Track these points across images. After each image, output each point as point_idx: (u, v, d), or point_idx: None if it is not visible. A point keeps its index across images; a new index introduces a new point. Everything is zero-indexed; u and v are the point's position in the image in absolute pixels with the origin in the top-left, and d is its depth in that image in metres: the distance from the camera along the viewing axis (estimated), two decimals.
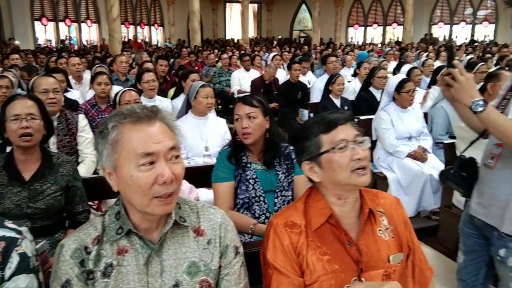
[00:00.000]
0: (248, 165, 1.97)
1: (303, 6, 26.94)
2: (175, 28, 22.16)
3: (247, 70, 6.97)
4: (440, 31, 23.70)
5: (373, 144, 3.68)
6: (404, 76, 3.64)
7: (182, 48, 11.80)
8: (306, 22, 27.28)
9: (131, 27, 22.42)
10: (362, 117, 3.94)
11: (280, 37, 25.99)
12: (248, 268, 1.22)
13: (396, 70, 5.56)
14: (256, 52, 10.94)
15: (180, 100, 3.61)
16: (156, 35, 24.30)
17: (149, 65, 5.45)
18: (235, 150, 1.99)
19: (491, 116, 1.39)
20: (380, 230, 1.24)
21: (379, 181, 3.57)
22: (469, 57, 7.96)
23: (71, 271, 1.01)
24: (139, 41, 20.83)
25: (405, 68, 4.79)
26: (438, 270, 2.26)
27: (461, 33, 23.00)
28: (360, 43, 22.05)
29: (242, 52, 10.67)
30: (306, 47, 16.57)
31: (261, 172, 1.98)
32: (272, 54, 8.02)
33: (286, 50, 12.73)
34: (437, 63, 6.65)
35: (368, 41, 23.63)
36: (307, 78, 6.40)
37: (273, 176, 1.98)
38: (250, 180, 1.95)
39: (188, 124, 2.87)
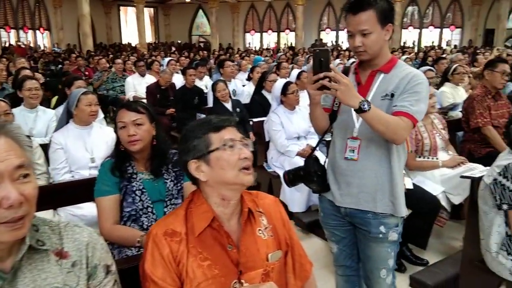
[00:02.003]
0: (134, 176, 1.88)
1: (200, 12, 26.99)
2: (64, 32, 20.65)
3: (142, 75, 6.75)
4: (328, 37, 25.48)
5: (267, 145, 3.81)
6: (286, 80, 3.84)
7: (71, 53, 11.00)
8: (204, 27, 27.37)
9: (13, 32, 20.34)
10: (255, 120, 4.04)
11: (179, 42, 25.70)
12: (130, 284, 1.16)
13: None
14: (154, 57, 10.65)
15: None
16: (43, 40, 22.36)
17: (27, 72, 4.96)
18: (118, 161, 1.89)
19: (376, 113, 1.50)
20: (259, 230, 1.27)
21: (274, 180, 3.70)
22: (351, 60, 8.66)
23: None
24: (22, 46, 18.95)
25: (295, 72, 5.03)
26: (330, 260, 2.41)
27: (346, 39, 24.97)
28: (257, 48, 22.75)
29: (139, 57, 10.29)
30: (205, 52, 16.63)
31: (148, 182, 1.90)
32: (167, 59, 7.87)
33: (184, 55, 12.63)
34: None
35: (264, 47, 24.49)
36: (204, 83, 6.41)
37: (161, 185, 1.91)
38: (137, 192, 1.86)
39: (69, 135, 2.66)
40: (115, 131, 1.93)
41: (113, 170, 1.86)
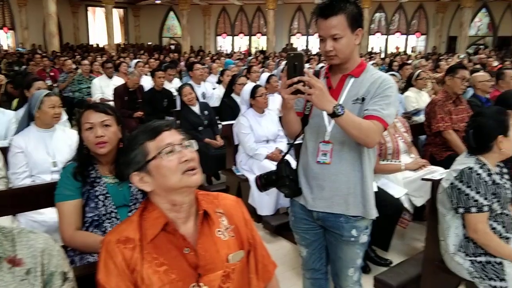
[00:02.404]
0: (98, 180, 1.83)
1: (171, 14, 26.74)
2: (29, 32, 19.97)
3: (110, 77, 6.60)
4: (298, 42, 25.81)
5: (236, 148, 3.82)
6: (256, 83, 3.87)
7: (35, 53, 10.65)
8: (175, 30, 27.12)
9: None
10: (224, 123, 4.04)
11: (149, 43, 25.35)
12: None
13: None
14: (122, 59, 10.45)
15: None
16: (7, 40, 21.54)
17: None
18: (81, 165, 1.84)
19: (349, 117, 1.51)
20: (219, 230, 1.26)
21: (242, 183, 3.70)
22: (320, 65, 8.81)
23: None
24: None
25: (264, 75, 5.06)
26: (297, 263, 2.43)
27: (316, 43, 25.37)
28: (229, 52, 22.75)
29: (108, 58, 10.08)
30: (176, 54, 16.48)
31: (112, 186, 1.86)
32: (135, 61, 7.74)
33: (154, 57, 12.47)
34: None
35: (236, 50, 24.52)
36: (174, 85, 6.34)
37: (126, 189, 1.87)
38: (100, 197, 1.82)
39: (31, 138, 2.58)
40: (79, 133, 1.88)
41: (75, 174, 1.81)
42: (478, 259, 1.89)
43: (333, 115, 1.50)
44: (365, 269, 2.76)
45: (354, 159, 1.67)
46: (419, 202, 2.93)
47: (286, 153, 1.87)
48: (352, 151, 1.66)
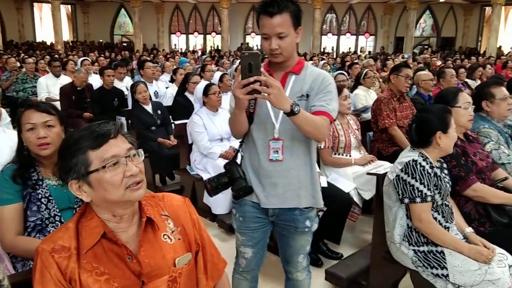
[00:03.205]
0: (40, 183, 1.75)
1: (123, 11, 25.98)
2: None
3: (57, 76, 6.33)
4: (253, 41, 25.94)
5: (190, 147, 3.78)
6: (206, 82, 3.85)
7: None
8: (127, 27, 26.37)
9: None
10: (177, 122, 3.99)
11: (100, 41, 24.51)
12: None
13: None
14: (71, 57, 10.03)
15: None
16: None
17: None
18: (21, 167, 1.75)
19: (304, 114, 1.55)
20: (165, 235, 1.23)
21: (197, 183, 3.67)
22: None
23: None
24: None
25: (217, 74, 5.05)
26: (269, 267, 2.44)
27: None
28: (183, 50, 22.46)
29: (54, 57, 9.63)
30: (127, 52, 16.06)
31: (55, 189, 1.78)
32: (81, 59, 7.46)
33: (104, 55, 12.08)
34: None
35: (191, 49, 24.25)
36: (125, 84, 6.17)
37: (71, 192, 1.81)
38: (43, 200, 1.74)
39: None
40: (19, 134, 1.80)
41: (14, 177, 1.73)
42: (421, 248, 1.99)
43: (290, 113, 1.52)
44: (317, 263, 2.83)
45: (303, 153, 1.72)
46: (367, 195, 3.04)
47: (236, 154, 1.85)
48: (301, 146, 1.71)
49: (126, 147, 1.14)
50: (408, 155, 2.04)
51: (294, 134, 1.67)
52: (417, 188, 1.93)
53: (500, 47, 20.46)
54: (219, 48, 23.08)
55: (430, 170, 1.96)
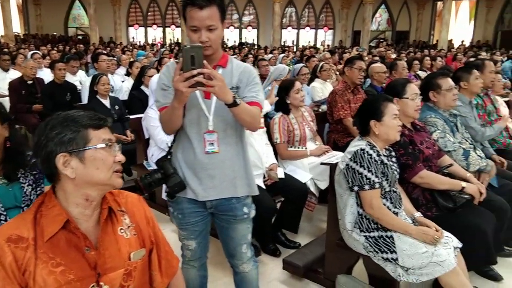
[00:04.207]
0: None
1: (77, 2, 24.98)
2: None
3: (6, 70, 6.03)
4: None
5: (146, 142, 3.71)
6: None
7: None
8: (82, 20, 25.39)
9: None
10: (132, 116, 3.90)
11: (54, 34, 23.48)
12: None
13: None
14: (21, 50, 9.56)
15: None
16: None
17: None
18: None
19: (243, 105, 1.60)
20: (121, 229, 1.25)
21: None
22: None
23: None
24: None
25: None
26: (216, 255, 2.48)
27: (230, 37, 25.50)
28: (142, 43, 21.94)
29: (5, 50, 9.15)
30: (82, 45, 15.52)
31: (1, 187, 1.71)
32: (30, 52, 7.14)
33: (57, 49, 11.61)
34: None
35: (150, 41, 23.73)
36: (78, 78, 5.97)
37: (17, 190, 1.73)
38: None
39: None
40: None
41: None
42: (372, 234, 2.06)
43: (232, 104, 1.55)
44: (275, 253, 2.87)
45: (236, 144, 1.77)
46: (323, 185, 3.11)
47: (170, 150, 1.83)
48: (234, 137, 1.75)
49: (114, 138, 1.22)
50: (356, 144, 2.11)
51: (227, 126, 1.71)
52: (365, 175, 2.00)
53: (451, 40, 21.39)
54: (179, 41, 22.71)
55: (377, 158, 2.03)
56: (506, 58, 10.54)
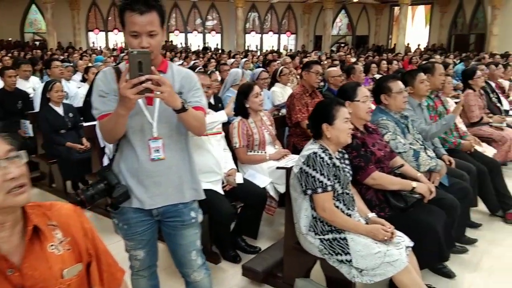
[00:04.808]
0: None
1: (33, 7, 24.07)
2: None
3: None
4: (177, 39, 25.48)
5: (102, 150, 3.60)
6: None
7: None
8: (39, 25, 24.48)
9: None
10: (86, 124, 3.78)
11: (10, 39, 22.51)
12: None
13: None
14: None
15: None
16: None
17: None
18: None
19: (191, 110, 1.60)
20: (52, 245, 1.16)
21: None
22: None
23: None
24: None
25: None
26: (166, 262, 2.42)
27: (194, 41, 25.38)
28: (102, 48, 21.40)
29: None
30: (40, 51, 14.97)
31: None
32: None
33: (11, 55, 11.14)
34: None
35: (111, 46, 23.20)
36: (31, 85, 5.72)
37: None
38: None
39: None
40: None
41: None
42: (326, 236, 2.07)
43: (182, 110, 1.55)
44: (235, 259, 2.84)
45: (181, 149, 1.75)
46: (282, 189, 3.10)
47: (112, 159, 1.76)
48: (179, 142, 1.74)
49: (5, 149, 1.06)
50: (309, 148, 2.12)
51: (171, 132, 1.70)
52: (318, 179, 2.02)
53: (408, 44, 22.17)
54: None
55: (329, 161, 2.05)
56: (459, 61, 11.04)
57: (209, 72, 4.25)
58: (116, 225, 1.80)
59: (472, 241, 3.06)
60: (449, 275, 2.64)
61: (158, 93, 1.47)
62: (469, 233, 3.15)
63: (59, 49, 18.40)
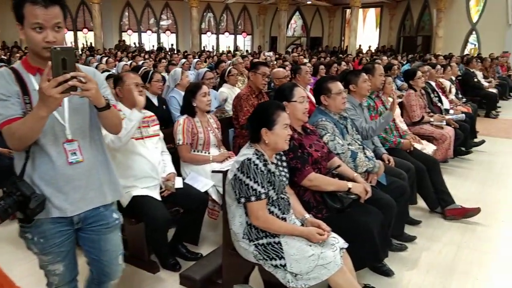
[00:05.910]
0: None
1: None
2: None
3: None
4: (130, 39, 24.83)
5: None
6: None
7: None
8: None
9: None
10: None
11: None
12: None
13: None
14: None
15: None
16: None
17: None
18: None
19: (113, 108, 1.61)
20: None
21: None
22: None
23: None
24: None
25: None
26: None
27: (148, 41, 24.83)
28: None
29: None
30: None
31: None
32: None
33: None
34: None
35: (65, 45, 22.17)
36: None
37: None
38: None
39: None
40: None
41: None
42: (260, 241, 2.01)
43: (105, 107, 1.53)
44: (175, 267, 2.74)
45: (98, 150, 1.70)
46: None
47: (24, 169, 1.57)
48: (95, 143, 1.69)
49: None
50: (244, 153, 2.05)
51: (85, 133, 1.64)
52: (252, 186, 1.95)
53: (360, 45, 22.80)
54: (93, 45, 21.56)
55: (263, 168, 2.00)
56: (406, 62, 11.44)
57: (151, 73, 4.12)
58: (29, 240, 1.64)
59: (412, 238, 3.13)
60: (388, 273, 2.67)
61: (84, 91, 1.40)
62: (409, 230, 3.22)
63: (4, 48, 17.44)
